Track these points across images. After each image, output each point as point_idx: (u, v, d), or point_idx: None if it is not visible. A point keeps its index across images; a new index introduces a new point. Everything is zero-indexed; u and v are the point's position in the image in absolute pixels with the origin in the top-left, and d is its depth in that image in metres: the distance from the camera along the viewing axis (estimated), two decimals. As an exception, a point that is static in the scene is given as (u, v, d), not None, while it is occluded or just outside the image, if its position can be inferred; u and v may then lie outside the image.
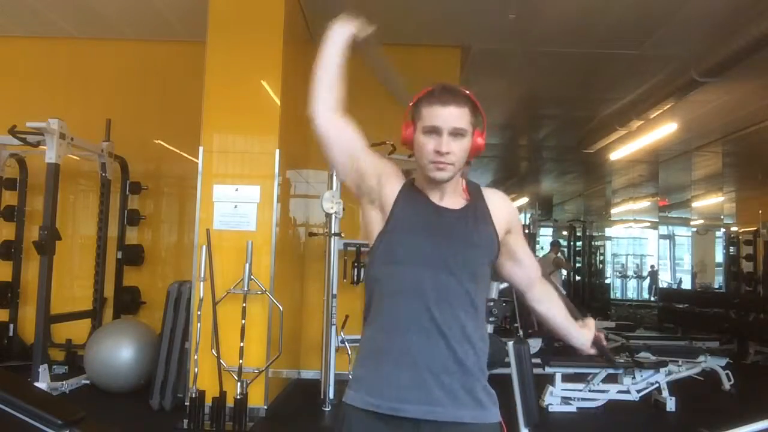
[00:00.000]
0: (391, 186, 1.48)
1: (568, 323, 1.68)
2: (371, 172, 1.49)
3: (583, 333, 1.67)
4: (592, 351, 1.68)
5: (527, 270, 1.63)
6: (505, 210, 1.55)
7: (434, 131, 1.42)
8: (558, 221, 14.76)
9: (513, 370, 3.38)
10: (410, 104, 1.49)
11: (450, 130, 1.41)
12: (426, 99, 1.45)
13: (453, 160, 1.42)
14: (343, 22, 1.54)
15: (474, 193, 1.54)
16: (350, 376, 1.52)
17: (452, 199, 1.50)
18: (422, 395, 1.37)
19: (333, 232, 4.93)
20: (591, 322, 1.72)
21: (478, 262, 1.47)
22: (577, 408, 4.89)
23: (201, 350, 4.24)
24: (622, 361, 5.35)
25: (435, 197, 1.50)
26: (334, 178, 4.90)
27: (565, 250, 12.19)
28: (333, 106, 1.48)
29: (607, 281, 14.42)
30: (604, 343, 1.71)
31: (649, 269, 15.47)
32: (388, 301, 1.44)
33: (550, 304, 1.66)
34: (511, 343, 3.47)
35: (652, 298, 13.66)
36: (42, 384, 4.41)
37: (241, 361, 4.22)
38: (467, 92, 1.46)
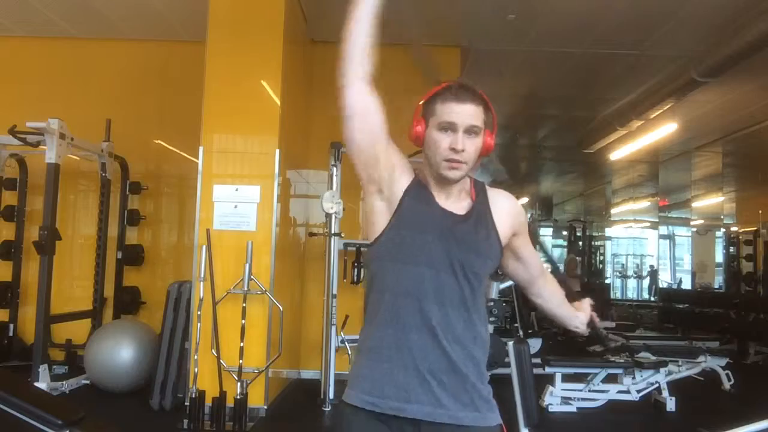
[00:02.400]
0: (402, 182, 1.45)
1: (565, 310, 1.73)
2: (387, 162, 1.43)
3: (578, 316, 1.73)
4: (586, 332, 1.75)
5: (531, 269, 1.64)
6: (510, 213, 1.52)
7: (450, 128, 1.39)
8: (558, 221, 14.76)
9: (513, 370, 3.37)
10: (421, 102, 1.47)
11: (466, 127, 1.39)
12: (441, 95, 1.42)
13: (467, 159, 1.41)
14: None
15: (479, 194, 1.50)
16: (349, 374, 1.50)
17: (457, 200, 1.48)
18: (423, 396, 1.36)
19: (333, 232, 4.93)
20: (586, 303, 1.77)
21: (482, 270, 1.45)
22: (577, 408, 4.89)
23: (201, 350, 4.24)
24: (621, 361, 5.35)
25: (440, 197, 1.47)
26: (334, 177, 4.90)
27: (566, 250, 12.20)
28: (367, 78, 1.39)
29: (607, 281, 14.42)
30: (597, 323, 1.78)
31: (649, 269, 15.47)
32: (390, 299, 1.41)
33: (549, 296, 1.70)
34: (511, 343, 3.47)
35: (652, 298, 13.65)
36: (42, 384, 4.41)
37: (241, 361, 4.22)
38: (481, 91, 1.44)
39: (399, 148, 1.48)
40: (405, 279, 1.40)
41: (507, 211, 1.51)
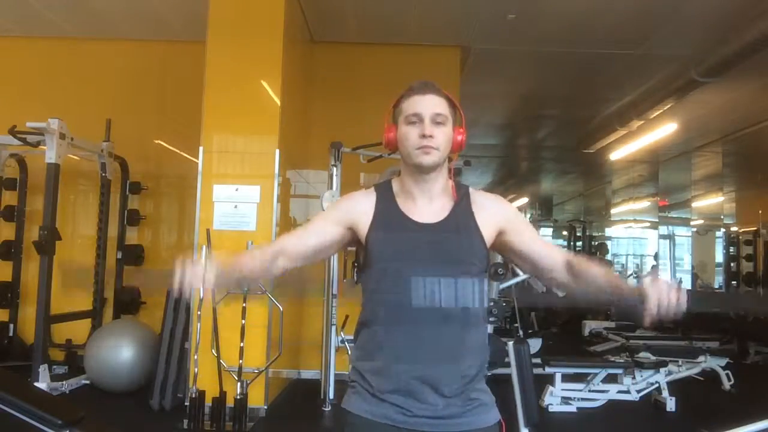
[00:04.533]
0: (363, 216, 1.49)
1: (616, 281, 1.52)
2: (341, 231, 1.51)
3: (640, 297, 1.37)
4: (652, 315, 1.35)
5: (540, 262, 1.53)
6: (493, 212, 1.51)
7: (417, 119, 1.44)
8: (558, 221, 14.75)
9: (513, 370, 3.38)
10: (391, 107, 1.52)
11: (431, 116, 1.44)
12: (405, 94, 1.49)
13: (437, 144, 1.44)
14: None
15: (462, 196, 1.51)
16: (348, 379, 1.53)
17: (441, 201, 1.49)
18: (421, 408, 1.40)
19: (333, 232, 4.92)
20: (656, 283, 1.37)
21: (463, 277, 1.44)
22: (577, 408, 4.89)
23: (201, 350, 4.24)
24: (621, 361, 5.35)
25: (417, 205, 1.49)
26: (334, 178, 4.91)
27: (565, 250, 12.21)
28: (273, 262, 1.53)
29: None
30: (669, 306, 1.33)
31: (652, 266, 15.45)
32: (379, 323, 1.45)
33: (587, 274, 1.48)
34: (511, 343, 3.47)
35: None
36: (42, 384, 4.42)
37: (241, 361, 4.21)
38: (446, 92, 1.50)
39: (332, 206, 1.62)
40: (391, 308, 1.43)
41: (490, 210, 1.51)
